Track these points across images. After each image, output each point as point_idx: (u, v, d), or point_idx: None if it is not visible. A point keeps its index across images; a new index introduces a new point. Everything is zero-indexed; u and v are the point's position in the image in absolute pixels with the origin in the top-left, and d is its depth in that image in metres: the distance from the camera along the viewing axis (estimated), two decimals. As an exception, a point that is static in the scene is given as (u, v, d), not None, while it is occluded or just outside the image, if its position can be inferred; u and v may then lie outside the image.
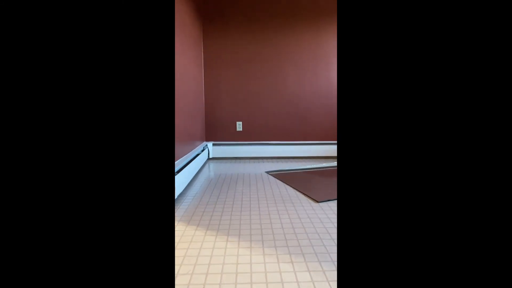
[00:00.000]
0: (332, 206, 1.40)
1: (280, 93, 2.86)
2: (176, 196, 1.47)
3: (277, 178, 2.01)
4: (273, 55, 2.83)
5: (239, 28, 2.80)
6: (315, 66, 2.83)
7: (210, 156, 2.89)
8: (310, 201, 1.50)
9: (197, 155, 2.29)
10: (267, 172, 2.22)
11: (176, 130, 1.72)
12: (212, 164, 2.62)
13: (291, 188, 1.74)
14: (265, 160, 2.83)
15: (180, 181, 1.58)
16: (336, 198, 1.50)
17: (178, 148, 1.77)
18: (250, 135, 2.91)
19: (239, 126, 2.89)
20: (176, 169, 1.62)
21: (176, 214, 1.32)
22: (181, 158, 1.81)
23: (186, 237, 1.07)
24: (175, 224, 1.21)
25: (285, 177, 2.05)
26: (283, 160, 2.82)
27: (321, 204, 1.45)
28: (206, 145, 2.80)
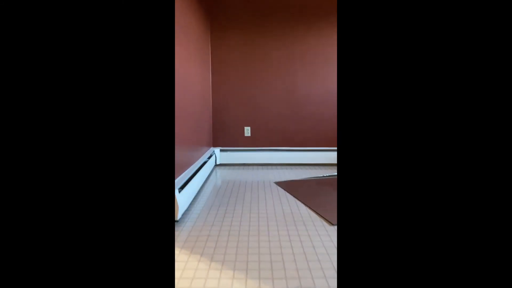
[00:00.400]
0: (349, 229, 1.28)
1: (290, 96, 2.73)
2: (180, 215, 1.38)
3: (287, 191, 1.90)
4: (282, 57, 2.69)
5: (247, 31, 2.68)
6: (326, 68, 2.68)
7: (217, 162, 2.80)
8: (324, 223, 1.38)
9: (204, 163, 2.20)
10: (276, 183, 2.11)
11: (181, 138, 1.62)
12: (219, 171, 2.52)
13: (303, 205, 1.62)
14: (274, 167, 2.71)
15: (185, 199, 1.49)
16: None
17: (183, 158, 1.68)
18: (259, 141, 2.79)
19: (247, 131, 2.78)
20: (181, 183, 1.53)
21: (179, 238, 1.23)
22: (185, 171, 1.72)
23: (188, 271, 0.97)
24: (178, 251, 1.11)
25: (296, 189, 1.93)
26: (293, 167, 2.70)
27: (336, 227, 1.33)
28: (213, 151, 2.70)
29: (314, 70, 2.69)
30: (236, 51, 2.70)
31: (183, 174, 1.67)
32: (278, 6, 2.65)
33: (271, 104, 2.75)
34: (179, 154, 1.61)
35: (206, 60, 2.52)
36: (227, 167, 2.73)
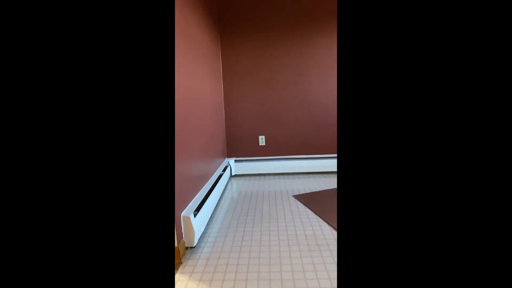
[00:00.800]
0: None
1: (304, 102, 2.62)
2: (196, 241, 1.32)
3: (307, 206, 1.80)
4: (294, 64, 2.59)
5: (257, 37, 2.59)
6: (343, 71, 2.55)
7: (233, 173, 2.73)
8: (351, 246, 1.27)
9: (219, 177, 2.13)
10: (295, 197, 2.01)
11: (194, 154, 1.56)
12: (235, 183, 2.45)
13: (326, 225, 1.52)
14: (291, 176, 2.62)
15: (201, 221, 1.42)
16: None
17: (196, 175, 1.61)
18: (274, 150, 2.70)
19: (262, 140, 2.70)
20: (196, 205, 1.47)
21: (197, 268, 1.16)
22: (200, 192, 1.66)
23: (207, 312, 0.90)
24: (196, 284, 1.05)
25: (316, 204, 1.83)
26: (310, 175, 2.59)
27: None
28: (228, 162, 2.64)
29: (327, 76, 2.57)
30: (248, 59, 2.62)
31: (198, 194, 1.61)
32: (289, 12, 2.55)
33: (286, 111, 2.65)
34: (192, 172, 1.55)
35: (217, 69, 2.46)
36: (243, 177, 2.66)
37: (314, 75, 2.59)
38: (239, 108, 2.69)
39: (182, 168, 1.35)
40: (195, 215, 1.37)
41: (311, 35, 2.55)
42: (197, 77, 1.71)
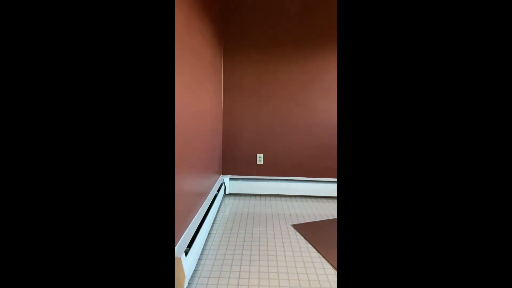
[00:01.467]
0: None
1: (308, 123, 2.50)
2: (186, 284, 1.15)
3: (308, 241, 1.65)
4: (299, 81, 2.48)
5: (260, 52, 2.47)
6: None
7: (227, 192, 2.57)
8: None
9: (214, 198, 1.97)
10: (294, 227, 1.87)
11: (190, 173, 1.40)
12: (229, 203, 2.29)
13: (331, 268, 1.38)
14: (288, 199, 2.48)
15: (192, 257, 1.26)
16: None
17: (190, 200, 1.45)
18: (272, 170, 2.56)
19: (260, 159, 2.56)
20: (187, 240, 1.30)
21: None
22: (194, 219, 1.49)
23: None
24: None
25: (320, 238, 1.69)
26: (309, 200, 2.46)
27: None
28: (223, 180, 2.48)
29: (333, 96, 2.47)
30: (250, 73, 2.50)
31: (191, 223, 1.44)
32: (294, 27, 2.44)
33: (287, 130, 2.52)
34: (186, 196, 1.39)
35: (218, 82, 2.32)
36: (237, 197, 2.50)
37: (319, 94, 2.48)
38: (238, 123, 2.54)
39: (177, 191, 1.19)
40: (186, 253, 1.21)
41: (319, 54, 2.45)
42: (198, 93, 1.56)
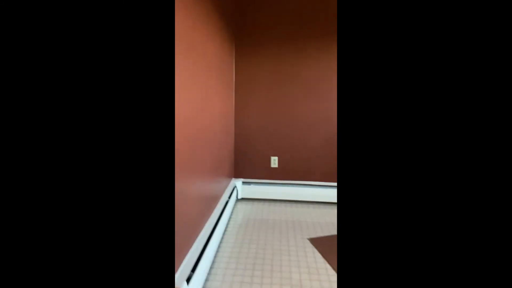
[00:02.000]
0: None
1: (326, 124, 2.30)
2: (188, 315, 1.03)
3: (326, 260, 1.48)
4: (316, 80, 2.26)
5: (276, 49, 2.27)
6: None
7: (239, 197, 2.44)
8: None
9: (225, 206, 1.84)
10: (311, 241, 1.70)
11: (198, 182, 1.27)
12: (241, 209, 2.16)
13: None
14: (305, 205, 2.30)
15: (196, 286, 1.13)
16: None
17: (196, 214, 1.32)
18: (288, 173, 2.39)
19: (275, 161, 2.39)
20: (193, 259, 1.17)
21: None
22: (200, 235, 1.36)
23: None
24: None
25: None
26: (327, 206, 2.27)
27: None
28: (235, 185, 2.34)
29: (357, 91, 2.24)
30: (264, 71, 2.31)
31: (196, 241, 1.31)
32: (310, 25, 2.21)
33: (304, 132, 2.33)
34: (193, 208, 1.25)
35: (229, 81, 2.15)
36: (250, 202, 2.36)
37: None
38: (251, 124, 2.38)
39: (181, 206, 1.06)
40: (189, 280, 1.08)
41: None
42: (207, 95, 1.41)
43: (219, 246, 1.63)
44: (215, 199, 1.75)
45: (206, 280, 1.32)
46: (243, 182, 2.43)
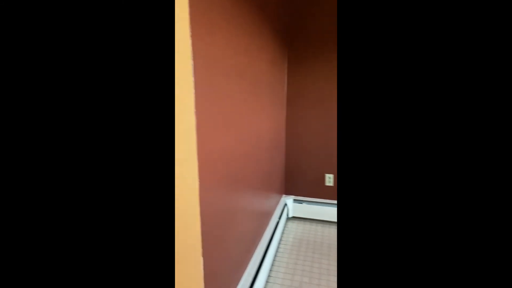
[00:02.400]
0: None
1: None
2: None
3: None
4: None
5: (331, 57, 2.10)
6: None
7: (290, 215, 2.31)
8: None
9: (274, 229, 1.74)
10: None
11: (242, 215, 1.19)
12: (292, 230, 2.03)
13: None
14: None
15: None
16: None
17: (243, 249, 1.24)
18: (344, 193, 2.18)
19: (330, 179, 2.21)
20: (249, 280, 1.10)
21: None
22: (247, 268, 1.28)
23: None
24: None
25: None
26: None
27: None
28: (285, 202, 2.23)
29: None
30: (316, 84, 2.15)
31: (244, 277, 1.23)
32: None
33: (363, 147, 2.10)
34: (237, 244, 1.18)
35: (281, 96, 2.06)
36: (302, 222, 2.22)
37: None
38: (304, 139, 2.24)
39: (221, 245, 0.99)
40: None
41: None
42: (254, 112, 1.34)
43: (270, 270, 1.54)
44: (267, 215, 1.66)
45: (256, 315, 1.23)
46: (294, 200, 2.30)
